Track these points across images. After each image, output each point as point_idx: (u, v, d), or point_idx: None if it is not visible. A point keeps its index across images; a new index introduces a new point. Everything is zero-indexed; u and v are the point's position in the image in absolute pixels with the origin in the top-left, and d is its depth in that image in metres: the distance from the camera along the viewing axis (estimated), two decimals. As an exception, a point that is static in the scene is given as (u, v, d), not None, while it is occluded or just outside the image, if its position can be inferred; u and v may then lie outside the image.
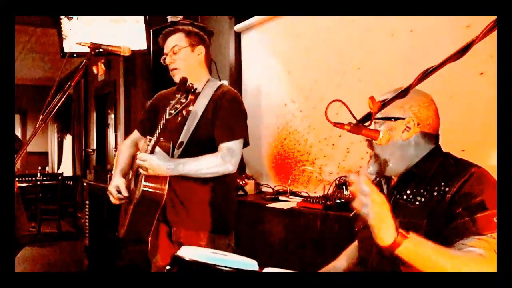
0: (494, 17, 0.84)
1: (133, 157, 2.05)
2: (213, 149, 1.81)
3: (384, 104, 1.03)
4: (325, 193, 2.57)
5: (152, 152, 1.68)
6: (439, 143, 1.26)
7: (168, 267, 1.04)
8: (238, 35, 3.73)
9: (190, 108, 1.60)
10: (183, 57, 1.88)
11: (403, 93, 0.98)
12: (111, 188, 1.88)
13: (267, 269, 1.03)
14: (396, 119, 1.21)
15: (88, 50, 1.61)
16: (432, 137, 1.24)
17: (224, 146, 1.79)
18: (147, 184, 1.72)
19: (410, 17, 2.21)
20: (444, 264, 0.97)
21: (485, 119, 1.85)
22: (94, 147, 7.32)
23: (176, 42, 1.89)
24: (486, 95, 1.81)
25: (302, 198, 2.66)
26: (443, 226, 1.10)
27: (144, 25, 4.15)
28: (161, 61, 1.92)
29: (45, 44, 6.79)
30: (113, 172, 2.01)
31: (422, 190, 1.17)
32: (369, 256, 1.28)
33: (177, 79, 1.88)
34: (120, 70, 5.88)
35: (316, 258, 2.20)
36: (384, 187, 1.32)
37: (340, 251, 1.48)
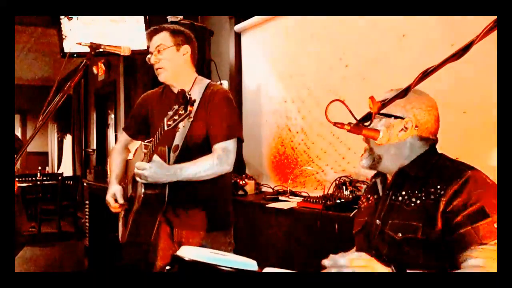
0: (494, 17, 0.84)
1: (127, 162, 2.05)
2: (209, 149, 1.81)
3: (384, 104, 1.03)
4: (325, 193, 2.57)
5: (149, 160, 1.68)
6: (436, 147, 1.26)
7: (168, 267, 1.04)
8: (238, 35, 3.73)
9: (190, 120, 1.57)
10: (168, 57, 1.86)
11: (403, 93, 0.98)
12: (108, 197, 1.89)
13: (267, 269, 1.03)
14: (396, 117, 1.21)
15: (88, 50, 1.61)
16: (428, 141, 1.24)
17: (219, 147, 1.79)
18: (148, 192, 1.72)
19: (410, 17, 2.21)
20: None
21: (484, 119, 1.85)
22: (94, 147, 7.31)
23: (161, 41, 1.86)
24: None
25: (302, 198, 2.66)
26: (439, 231, 1.09)
27: (144, 25, 4.15)
28: (146, 59, 1.90)
29: (45, 44, 6.79)
30: (108, 179, 2.00)
31: (417, 192, 1.17)
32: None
33: (161, 78, 1.89)
34: (120, 70, 5.88)
35: (316, 258, 2.19)
36: (380, 187, 1.32)
37: (340, 251, 1.48)
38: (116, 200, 1.87)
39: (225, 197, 1.96)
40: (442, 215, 1.09)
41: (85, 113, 8.03)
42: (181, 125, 1.60)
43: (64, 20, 4.26)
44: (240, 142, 1.88)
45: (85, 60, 1.58)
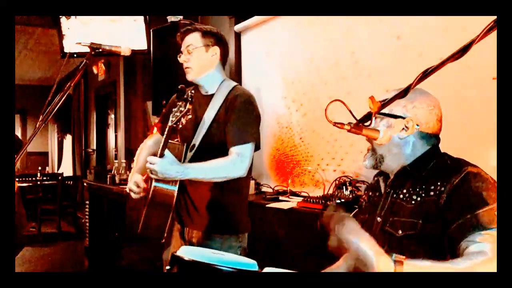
0: (494, 17, 0.84)
1: None
2: (225, 152, 1.81)
3: (384, 104, 1.03)
4: (325, 193, 2.57)
5: (161, 155, 1.69)
6: (439, 145, 1.27)
7: (168, 267, 1.04)
8: (238, 35, 3.73)
9: (189, 116, 1.67)
10: (196, 57, 1.88)
11: (403, 93, 0.98)
12: (131, 185, 1.88)
13: (267, 269, 1.03)
14: (397, 117, 1.21)
15: (88, 50, 1.61)
16: (431, 139, 1.24)
17: (234, 150, 1.79)
18: (158, 185, 1.74)
19: (409, 18, 2.21)
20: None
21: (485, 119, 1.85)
22: (94, 147, 7.32)
23: (191, 41, 1.89)
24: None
25: (302, 198, 2.66)
26: (439, 226, 1.10)
27: (144, 25, 4.15)
28: (177, 57, 1.93)
29: (45, 44, 6.79)
30: (131, 171, 2.04)
31: (418, 189, 1.18)
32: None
33: (189, 77, 1.91)
34: (120, 70, 5.89)
35: (316, 258, 2.19)
36: (382, 185, 1.32)
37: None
38: (139, 186, 1.87)
39: (239, 202, 1.94)
40: (443, 210, 1.09)
41: (85, 113, 8.04)
42: (204, 124, 1.77)
43: (62, 19, 4.26)
44: (257, 148, 1.87)
45: (85, 60, 1.58)
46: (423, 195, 1.15)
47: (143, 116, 5.40)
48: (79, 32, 4.25)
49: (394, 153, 1.24)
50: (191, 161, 1.84)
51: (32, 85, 9.61)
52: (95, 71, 6.89)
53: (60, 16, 4.23)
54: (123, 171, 4.36)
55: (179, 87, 1.61)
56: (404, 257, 0.96)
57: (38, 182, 7.45)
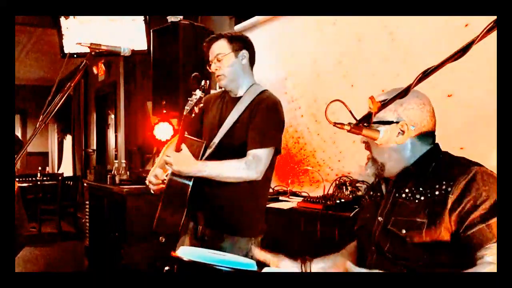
0: (494, 17, 0.84)
1: None
2: (243, 154, 1.81)
3: (384, 104, 1.03)
4: (325, 193, 2.57)
5: (178, 149, 1.71)
6: (437, 141, 1.26)
7: (167, 268, 1.04)
8: (238, 35, 3.72)
9: (201, 105, 1.72)
10: (227, 63, 1.89)
11: (403, 93, 0.97)
12: (150, 177, 1.89)
13: (266, 269, 1.03)
14: (390, 123, 1.19)
15: (88, 50, 1.60)
16: (428, 137, 1.23)
17: (251, 153, 1.79)
18: (173, 178, 1.78)
19: (409, 18, 2.21)
20: None
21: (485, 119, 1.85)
22: (94, 147, 7.32)
23: (219, 49, 1.90)
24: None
25: (302, 198, 2.66)
26: (446, 227, 1.09)
27: (144, 25, 4.15)
28: (207, 67, 1.95)
29: (45, 44, 6.79)
30: (154, 165, 2.05)
31: (421, 188, 1.17)
32: (368, 254, 1.28)
33: (221, 84, 1.94)
34: (120, 70, 5.89)
35: (316, 259, 2.19)
36: (383, 186, 1.32)
37: (336, 251, 1.48)
38: (157, 178, 1.88)
39: (254, 205, 1.94)
40: (451, 213, 1.08)
41: (85, 113, 8.03)
42: (226, 124, 1.85)
43: (61, 19, 4.25)
44: (277, 153, 1.88)
45: (85, 61, 1.58)
46: (428, 194, 1.15)
47: (143, 116, 5.40)
48: (79, 32, 4.25)
49: (395, 159, 1.23)
50: (208, 159, 1.86)
51: (32, 85, 9.61)
52: (95, 71, 6.89)
53: (59, 16, 4.23)
54: (123, 171, 4.36)
55: (194, 74, 1.61)
56: None
57: (38, 182, 7.46)
